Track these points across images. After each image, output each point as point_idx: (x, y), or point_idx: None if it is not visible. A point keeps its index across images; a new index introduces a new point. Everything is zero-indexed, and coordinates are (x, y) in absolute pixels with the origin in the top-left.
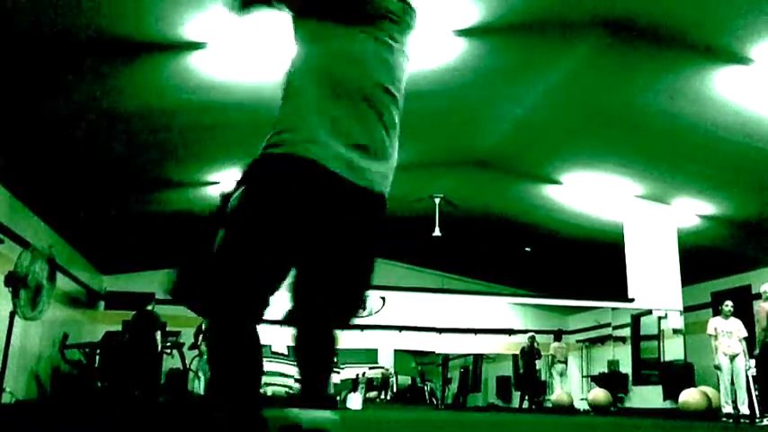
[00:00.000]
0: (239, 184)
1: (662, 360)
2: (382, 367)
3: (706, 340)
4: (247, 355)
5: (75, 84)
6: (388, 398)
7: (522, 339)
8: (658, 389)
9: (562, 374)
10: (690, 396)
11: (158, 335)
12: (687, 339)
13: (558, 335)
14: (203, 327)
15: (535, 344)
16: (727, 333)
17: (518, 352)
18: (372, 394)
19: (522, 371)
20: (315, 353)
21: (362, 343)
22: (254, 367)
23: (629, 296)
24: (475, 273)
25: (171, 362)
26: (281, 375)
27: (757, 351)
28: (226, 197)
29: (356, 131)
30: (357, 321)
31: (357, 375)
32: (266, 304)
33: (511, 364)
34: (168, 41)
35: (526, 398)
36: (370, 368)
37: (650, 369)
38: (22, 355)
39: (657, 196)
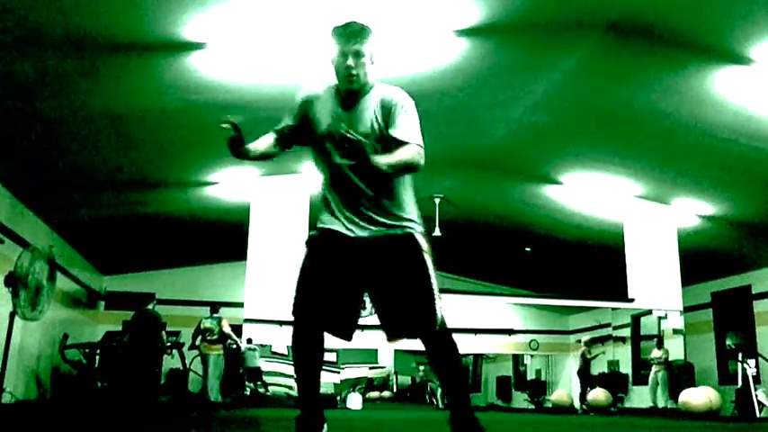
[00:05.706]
0: None
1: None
2: (382, 367)
3: (706, 340)
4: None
5: (74, 84)
6: (389, 397)
7: (523, 339)
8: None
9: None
10: (690, 396)
11: (163, 334)
12: (687, 339)
13: (659, 340)
14: (200, 326)
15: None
16: None
17: (520, 352)
18: (373, 394)
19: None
20: (438, 368)
21: (362, 343)
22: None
23: (629, 296)
24: (475, 273)
25: (171, 362)
26: (281, 375)
27: None
28: None
29: None
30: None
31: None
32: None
33: (511, 364)
34: (168, 41)
35: (532, 399)
36: (371, 368)
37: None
38: (22, 355)
39: (657, 196)
